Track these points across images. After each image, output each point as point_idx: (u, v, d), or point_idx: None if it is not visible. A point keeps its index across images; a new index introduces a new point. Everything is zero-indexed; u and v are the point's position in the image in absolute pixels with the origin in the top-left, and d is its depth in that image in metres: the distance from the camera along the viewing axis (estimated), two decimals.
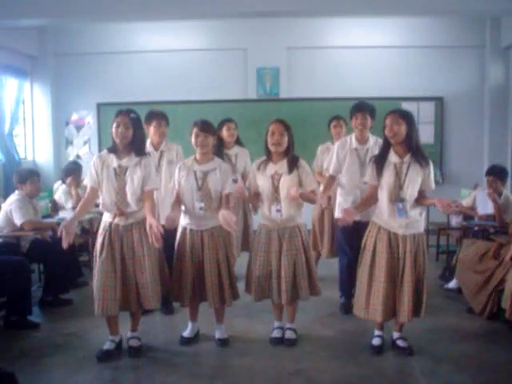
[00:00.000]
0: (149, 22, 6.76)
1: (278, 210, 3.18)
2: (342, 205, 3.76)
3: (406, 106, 6.85)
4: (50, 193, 5.56)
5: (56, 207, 5.16)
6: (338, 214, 3.87)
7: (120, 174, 3.06)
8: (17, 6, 5.44)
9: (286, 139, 3.16)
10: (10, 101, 6.43)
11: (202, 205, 3.20)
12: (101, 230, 3.12)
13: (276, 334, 3.36)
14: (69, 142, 7.27)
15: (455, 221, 5.54)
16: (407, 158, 3.03)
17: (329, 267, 4.67)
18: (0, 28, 5.81)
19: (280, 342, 3.31)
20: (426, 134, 6.96)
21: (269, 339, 3.34)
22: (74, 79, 7.12)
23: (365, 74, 6.90)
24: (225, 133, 4.46)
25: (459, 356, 3.11)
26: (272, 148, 3.18)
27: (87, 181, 3.14)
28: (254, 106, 6.95)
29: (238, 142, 4.63)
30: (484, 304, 3.72)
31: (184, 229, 3.28)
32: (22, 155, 6.80)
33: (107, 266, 3.02)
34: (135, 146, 3.09)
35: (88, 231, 5.33)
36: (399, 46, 6.96)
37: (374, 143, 3.79)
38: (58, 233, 2.95)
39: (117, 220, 3.07)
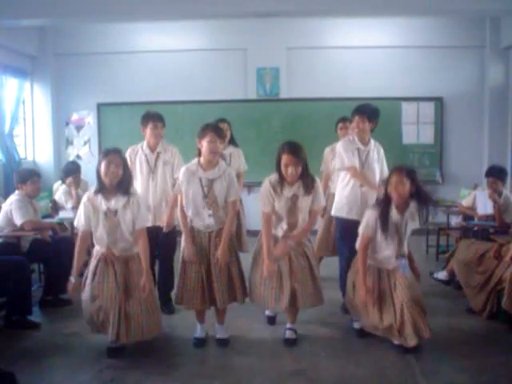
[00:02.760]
0: (149, 22, 6.77)
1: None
2: (340, 203, 3.82)
3: (405, 106, 6.89)
4: (50, 193, 5.56)
5: (56, 207, 5.15)
6: (334, 212, 3.90)
7: (110, 216, 3.06)
8: (17, 6, 5.43)
9: (300, 168, 3.15)
10: (10, 101, 6.43)
11: (211, 212, 3.19)
12: (93, 258, 3.14)
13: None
14: (69, 142, 7.27)
15: (455, 221, 5.55)
16: (407, 213, 3.17)
17: (329, 267, 4.67)
18: (0, 28, 5.82)
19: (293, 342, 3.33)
20: (425, 134, 6.98)
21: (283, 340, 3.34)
22: (74, 79, 7.12)
23: (365, 74, 6.89)
24: None
25: (459, 356, 3.12)
26: (288, 179, 3.19)
27: (78, 225, 3.13)
28: (254, 106, 6.95)
29: (233, 141, 4.63)
30: (484, 304, 3.73)
31: (191, 229, 3.27)
32: (22, 155, 6.80)
33: (104, 290, 3.05)
34: (123, 185, 3.08)
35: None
36: (399, 46, 6.95)
37: (374, 147, 3.80)
38: (68, 293, 3.14)
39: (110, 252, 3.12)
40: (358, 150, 3.75)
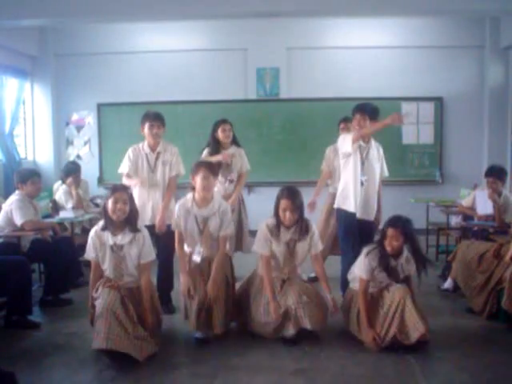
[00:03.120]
0: (149, 22, 6.77)
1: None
2: (343, 196, 3.85)
3: (405, 106, 6.88)
4: (50, 193, 5.57)
5: (56, 207, 5.15)
6: (336, 204, 3.93)
7: (116, 251, 3.12)
8: (17, 6, 5.43)
9: (297, 213, 3.23)
10: (11, 101, 6.43)
11: (201, 250, 3.32)
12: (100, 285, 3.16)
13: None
14: (69, 142, 7.27)
15: (455, 221, 5.54)
16: (401, 259, 3.25)
17: (329, 267, 4.66)
18: (0, 28, 5.81)
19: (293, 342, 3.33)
20: (425, 134, 6.98)
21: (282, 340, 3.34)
22: (74, 79, 7.12)
23: (365, 74, 6.90)
24: (220, 134, 4.46)
25: (459, 356, 3.11)
26: (285, 223, 3.26)
27: (89, 257, 3.19)
28: (254, 106, 6.95)
29: (235, 141, 4.63)
30: (483, 304, 3.73)
31: (190, 255, 3.39)
32: (22, 155, 6.80)
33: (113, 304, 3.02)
34: (130, 221, 3.13)
35: (89, 231, 5.31)
36: (399, 46, 6.96)
37: (374, 146, 3.82)
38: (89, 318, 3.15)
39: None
40: (360, 146, 3.79)
